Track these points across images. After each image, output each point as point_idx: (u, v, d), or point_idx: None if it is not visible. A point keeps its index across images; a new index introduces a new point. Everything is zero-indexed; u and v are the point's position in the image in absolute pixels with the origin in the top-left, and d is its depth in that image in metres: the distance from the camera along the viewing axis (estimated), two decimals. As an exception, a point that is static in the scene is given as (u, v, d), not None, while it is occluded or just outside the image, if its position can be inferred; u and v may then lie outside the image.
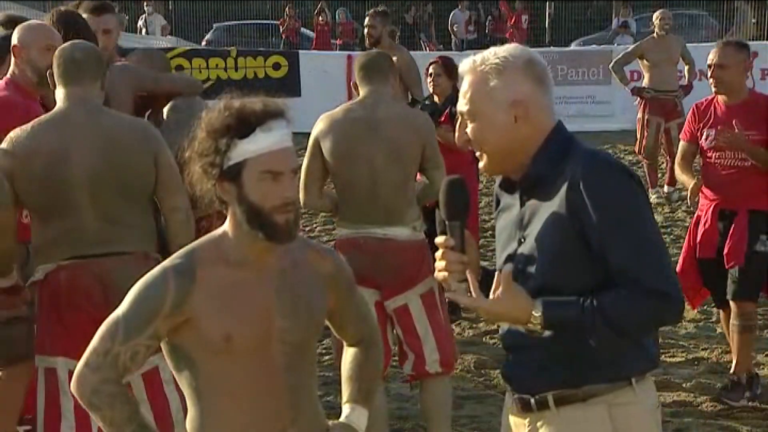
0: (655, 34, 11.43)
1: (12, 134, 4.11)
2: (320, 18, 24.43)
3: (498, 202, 2.87)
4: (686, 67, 11.78)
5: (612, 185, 2.58)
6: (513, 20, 24.22)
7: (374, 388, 3.01)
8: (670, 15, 11.61)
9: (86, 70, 4.14)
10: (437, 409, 4.99)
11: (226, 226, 2.64)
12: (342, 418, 2.82)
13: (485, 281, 2.69)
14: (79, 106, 4.11)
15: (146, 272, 2.64)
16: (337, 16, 24.99)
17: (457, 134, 2.80)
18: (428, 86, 7.62)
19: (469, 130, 2.69)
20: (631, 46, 12.82)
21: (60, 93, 4.17)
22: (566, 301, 2.54)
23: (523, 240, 2.68)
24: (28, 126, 4.12)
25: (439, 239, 2.66)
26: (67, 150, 4.04)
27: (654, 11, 12.16)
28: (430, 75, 7.52)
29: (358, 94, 4.98)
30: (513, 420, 2.79)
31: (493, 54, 2.66)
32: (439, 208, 2.69)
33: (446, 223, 2.66)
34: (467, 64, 2.69)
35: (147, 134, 4.21)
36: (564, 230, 2.58)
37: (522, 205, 2.71)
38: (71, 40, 4.46)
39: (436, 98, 7.53)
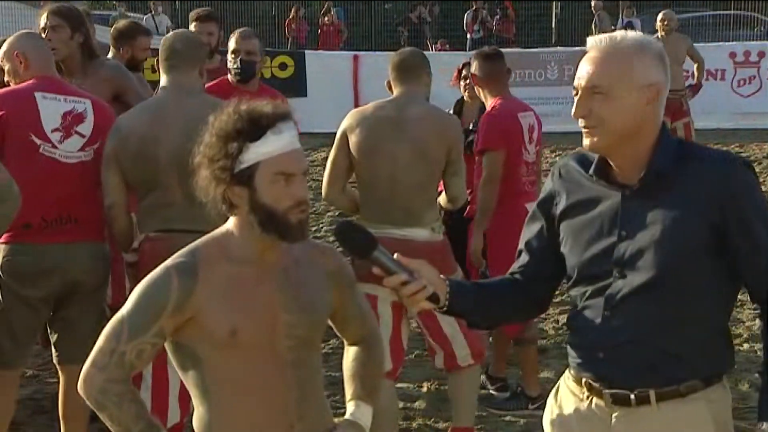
0: (658, 35, 11.43)
1: (120, 116, 4.58)
2: (326, 18, 24.43)
3: (568, 192, 2.79)
4: (695, 66, 11.74)
5: (755, 186, 2.65)
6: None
7: (378, 385, 3.02)
8: (672, 16, 11.56)
9: (184, 58, 4.50)
10: (466, 396, 5.10)
11: (231, 226, 2.66)
12: (347, 415, 2.84)
13: (457, 290, 2.77)
14: (173, 91, 4.43)
15: None
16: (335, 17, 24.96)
17: (574, 109, 2.74)
18: (461, 89, 6.48)
19: (595, 104, 2.62)
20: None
21: (162, 80, 4.55)
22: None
23: (624, 234, 2.65)
24: (132, 110, 4.65)
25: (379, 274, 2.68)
26: (156, 131, 4.36)
27: (658, 11, 12.15)
28: (464, 78, 6.37)
29: (391, 93, 4.97)
30: (585, 412, 2.75)
31: (631, 35, 2.67)
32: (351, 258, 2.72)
33: (369, 260, 2.65)
34: (602, 39, 2.66)
35: None
36: (696, 227, 2.58)
37: (624, 198, 2.67)
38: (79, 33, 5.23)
39: (468, 100, 6.44)
